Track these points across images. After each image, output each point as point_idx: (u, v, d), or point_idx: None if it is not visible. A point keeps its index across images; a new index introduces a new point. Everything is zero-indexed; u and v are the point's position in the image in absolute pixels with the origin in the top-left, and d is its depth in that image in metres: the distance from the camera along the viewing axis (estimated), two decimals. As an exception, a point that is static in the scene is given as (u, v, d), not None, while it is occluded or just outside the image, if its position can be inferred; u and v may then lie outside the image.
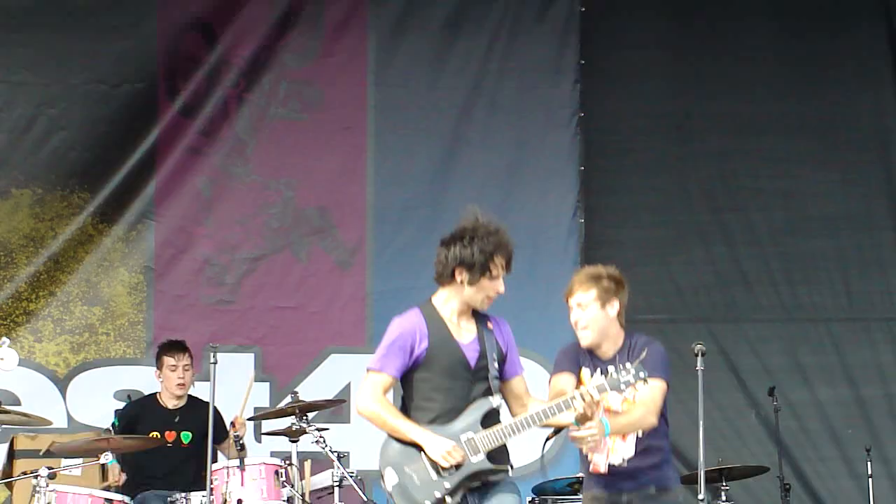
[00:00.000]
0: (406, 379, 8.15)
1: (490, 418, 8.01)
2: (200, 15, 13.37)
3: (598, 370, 8.23)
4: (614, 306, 8.26)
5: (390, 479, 7.90)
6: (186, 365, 12.05)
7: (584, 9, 13.48)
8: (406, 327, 8.19)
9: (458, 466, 7.71)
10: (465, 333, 8.25)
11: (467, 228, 8.04)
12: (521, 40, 13.57)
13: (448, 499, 7.72)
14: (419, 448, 7.81)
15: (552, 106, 13.57)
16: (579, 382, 8.46)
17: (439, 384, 8.16)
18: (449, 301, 8.20)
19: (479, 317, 8.35)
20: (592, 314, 8.23)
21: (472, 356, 8.19)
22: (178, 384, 12.02)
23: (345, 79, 13.54)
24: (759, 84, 13.64)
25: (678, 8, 13.78)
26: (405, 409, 8.16)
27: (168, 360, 12.06)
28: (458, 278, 8.08)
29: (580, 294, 8.21)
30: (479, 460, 7.73)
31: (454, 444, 7.83)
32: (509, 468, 7.98)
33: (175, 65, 13.38)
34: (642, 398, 8.23)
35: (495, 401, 8.12)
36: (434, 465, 7.78)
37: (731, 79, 13.65)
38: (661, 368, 8.26)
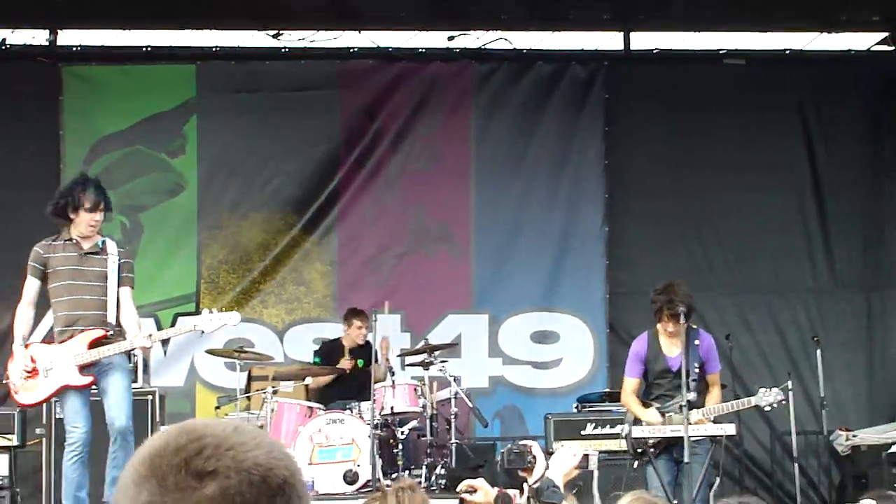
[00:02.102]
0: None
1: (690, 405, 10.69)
2: (366, 102, 16.28)
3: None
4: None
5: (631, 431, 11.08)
6: (362, 322, 14.52)
7: (607, 96, 16.25)
8: (634, 348, 11.38)
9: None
10: (674, 347, 11.09)
11: (661, 286, 11.22)
12: (568, 113, 16.33)
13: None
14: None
15: (588, 154, 16.32)
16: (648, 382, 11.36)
17: (651, 383, 11.25)
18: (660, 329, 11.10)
19: (689, 335, 11.03)
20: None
21: (674, 364, 11.04)
22: (361, 335, 14.58)
23: (456, 141, 16.37)
24: (723, 144, 16.28)
25: (671, 96, 16.34)
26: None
27: (355, 322, 14.66)
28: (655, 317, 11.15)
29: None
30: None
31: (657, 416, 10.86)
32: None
33: (350, 133, 16.21)
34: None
35: (691, 395, 10.74)
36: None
37: (708, 139, 16.34)
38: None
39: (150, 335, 10.71)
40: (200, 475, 1.84)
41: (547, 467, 6.09)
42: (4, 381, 10.91)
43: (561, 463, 6.35)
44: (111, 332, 10.37)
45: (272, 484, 1.86)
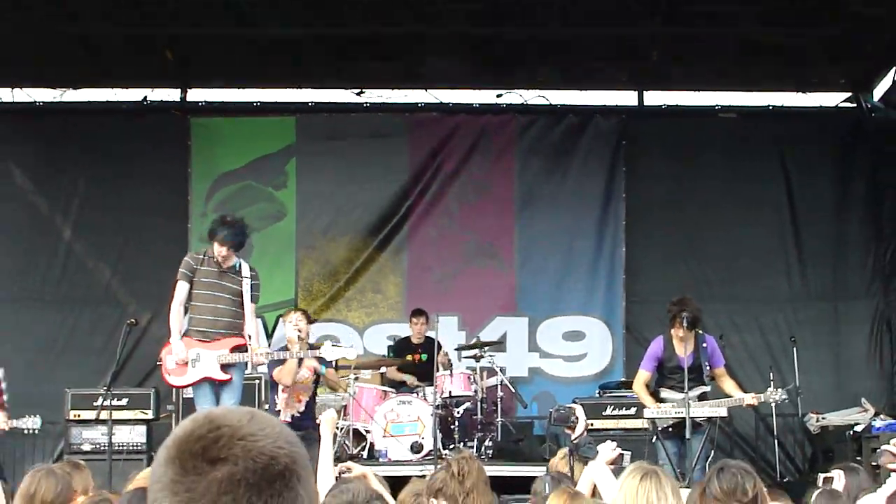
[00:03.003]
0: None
1: (703, 396, 11.00)
2: (430, 146, 16.29)
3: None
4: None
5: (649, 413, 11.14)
6: (424, 323, 14.47)
7: (624, 142, 16.16)
8: (652, 348, 11.44)
9: None
10: (685, 349, 11.13)
11: (676, 299, 11.28)
12: (593, 156, 16.29)
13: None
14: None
15: (610, 189, 16.18)
16: (659, 374, 11.41)
17: (666, 376, 11.33)
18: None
19: (697, 339, 11.15)
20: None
21: (683, 362, 11.00)
22: (420, 329, 14.56)
23: (502, 178, 16.36)
24: (718, 182, 16.08)
25: (676, 143, 16.29)
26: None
27: (413, 319, 14.69)
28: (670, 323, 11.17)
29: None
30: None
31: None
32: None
33: (416, 172, 16.22)
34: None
35: (706, 388, 11.10)
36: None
37: (705, 178, 16.16)
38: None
39: (267, 353, 10.84)
40: (214, 461, 1.79)
41: (587, 426, 6.01)
42: (158, 364, 11.08)
43: (605, 453, 6.32)
44: (248, 342, 10.54)
45: (273, 470, 1.81)
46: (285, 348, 11.32)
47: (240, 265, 10.65)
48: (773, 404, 11.70)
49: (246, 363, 10.84)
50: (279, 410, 11.13)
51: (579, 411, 6.58)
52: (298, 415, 11.13)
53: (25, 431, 11.12)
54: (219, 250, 10.55)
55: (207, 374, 10.45)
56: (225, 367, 10.45)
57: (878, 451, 6.53)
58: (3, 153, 16.04)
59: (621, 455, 6.83)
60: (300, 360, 11.14)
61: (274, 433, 1.87)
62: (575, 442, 6.41)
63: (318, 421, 10.35)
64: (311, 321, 11.63)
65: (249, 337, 10.52)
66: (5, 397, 11.60)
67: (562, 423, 6.55)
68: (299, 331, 11.11)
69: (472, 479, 5.27)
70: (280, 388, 11.23)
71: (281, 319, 11.84)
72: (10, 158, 16.02)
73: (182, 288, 10.60)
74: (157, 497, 1.79)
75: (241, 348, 10.51)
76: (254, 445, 1.82)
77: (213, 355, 10.43)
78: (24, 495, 5.68)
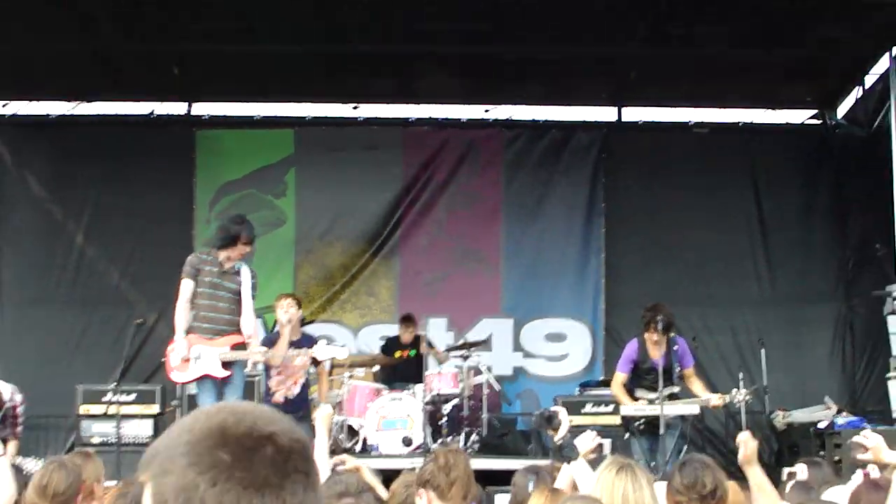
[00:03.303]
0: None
1: (674, 396, 10.96)
2: (422, 158, 16.27)
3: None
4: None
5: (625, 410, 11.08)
6: (411, 326, 14.40)
7: (604, 155, 16.18)
8: (627, 350, 11.37)
9: None
10: (658, 351, 11.09)
11: (651, 306, 11.30)
12: (574, 168, 16.23)
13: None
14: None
15: (590, 199, 16.20)
16: (634, 375, 11.29)
17: (640, 377, 11.20)
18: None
19: (669, 342, 11.08)
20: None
21: (656, 364, 10.93)
22: (409, 333, 14.33)
23: (489, 188, 16.31)
24: (691, 192, 16.07)
25: (653, 156, 16.32)
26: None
27: (404, 327, 14.47)
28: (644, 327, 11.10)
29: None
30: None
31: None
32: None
33: (409, 182, 16.16)
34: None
35: (675, 389, 11.02)
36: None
37: (680, 189, 16.13)
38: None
39: (264, 351, 10.65)
40: (261, 440, 1.74)
41: (569, 429, 6.05)
42: (163, 360, 10.99)
43: (585, 442, 6.31)
44: (247, 340, 10.45)
45: (305, 442, 1.80)
46: (276, 332, 11.26)
47: (239, 267, 10.52)
48: (740, 403, 11.50)
49: (246, 361, 10.79)
50: (273, 392, 11.05)
51: (562, 414, 6.45)
52: (293, 397, 11.02)
53: (24, 472, 11.06)
54: (242, 250, 10.51)
55: (207, 371, 10.33)
56: (225, 364, 10.34)
57: (849, 443, 6.53)
58: (20, 163, 16.11)
59: (600, 445, 6.79)
60: (294, 344, 11.02)
61: (279, 415, 1.85)
62: (559, 444, 6.32)
63: (312, 407, 10.60)
64: (300, 306, 11.48)
65: (249, 337, 10.42)
66: (19, 429, 11.44)
67: (546, 425, 6.50)
68: (290, 317, 11.02)
69: (458, 471, 5.20)
70: (274, 370, 11.09)
71: (274, 304, 11.46)
72: (26, 168, 16.08)
73: (187, 286, 10.47)
74: (215, 480, 1.72)
75: (241, 346, 10.41)
76: (282, 425, 1.80)
77: (215, 353, 10.32)
78: (36, 487, 5.67)
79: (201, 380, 10.44)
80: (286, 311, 11.03)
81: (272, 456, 1.73)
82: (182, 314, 10.50)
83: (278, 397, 10.93)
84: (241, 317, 10.43)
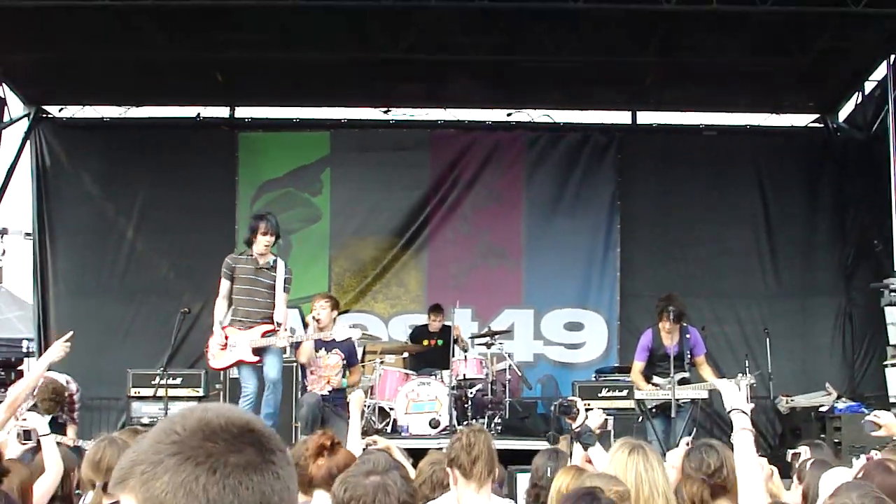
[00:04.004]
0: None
1: (685, 381, 10.89)
2: (448, 159, 16.31)
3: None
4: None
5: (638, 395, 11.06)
6: (439, 316, 14.48)
7: (619, 156, 16.27)
8: (642, 340, 11.32)
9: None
10: (671, 339, 11.07)
11: (664, 296, 11.19)
12: (592, 167, 16.28)
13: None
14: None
15: (606, 197, 16.21)
16: (650, 362, 11.26)
17: (655, 364, 11.15)
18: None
19: (682, 331, 11.07)
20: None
21: (670, 351, 10.94)
22: (437, 322, 14.50)
23: (512, 186, 16.33)
24: (701, 191, 16.09)
25: (665, 157, 16.29)
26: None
27: (430, 315, 14.70)
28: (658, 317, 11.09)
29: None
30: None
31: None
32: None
33: (436, 180, 16.25)
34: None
35: (686, 374, 10.96)
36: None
37: (691, 187, 16.17)
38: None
39: (289, 337, 10.72)
40: (242, 427, 1.73)
41: (587, 417, 6.01)
42: (205, 350, 11.11)
43: (595, 419, 6.34)
44: (276, 328, 10.56)
45: (267, 431, 1.76)
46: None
47: (275, 262, 10.65)
48: (746, 388, 11.44)
49: (279, 350, 10.83)
50: (309, 390, 11.12)
51: (580, 404, 6.52)
52: (327, 394, 11.03)
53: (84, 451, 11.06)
54: (263, 241, 10.58)
55: (240, 358, 10.52)
56: (256, 350, 10.50)
57: (862, 422, 6.58)
58: (76, 163, 16.23)
59: (606, 420, 6.72)
60: (326, 345, 11.10)
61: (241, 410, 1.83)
62: (576, 431, 6.35)
63: (347, 401, 10.29)
64: (335, 307, 11.34)
65: (279, 324, 10.54)
66: (76, 414, 11.46)
67: (564, 413, 6.57)
68: (318, 315, 11.02)
69: (479, 449, 5.15)
70: (308, 370, 11.21)
71: (311, 301, 11.48)
72: (81, 167, 16.21)
73: (224, 285, 10.66)
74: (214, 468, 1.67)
75: (271, 333, 10.55)
76: (250, 415, 1.78)
77: (247, 341, 10.48)
78: (90, 462, 5.72)
79: (239, 365, 10.65)
80: (317, 312, 11.07)
81: (255, 440, 1.72)
82: (219, 309, 10.73)
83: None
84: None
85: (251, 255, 10.68)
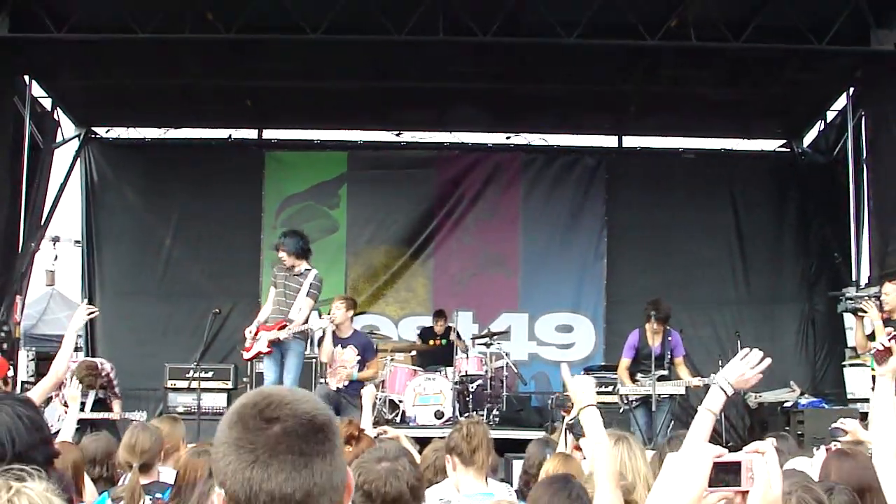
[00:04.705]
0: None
1: (664, 378, 10.84)
2: (452, 177, 16.24)
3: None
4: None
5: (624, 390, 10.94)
6: (442, 320, 14.45)
7: (607, 176, 16.17)
8: (630, 339, 11.25)
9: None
10: (655, 339, 11.08)
11: (652, 300, 11.16)
12: (582, 186, 16.19)
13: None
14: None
15: (595, 212, 16.14)
16: (635, 360, 11.09)
17: (640, 361, 11.11)
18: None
19: (665, 333, 11.00)
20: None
21: (654, 351, 10.93)
22: (441, 325, 14.39)
23: (510, 202, 16.23)
24: (680, 207, 15.93)
25: (648, 177, 16.09)
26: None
27: (437, 321, 14.43)
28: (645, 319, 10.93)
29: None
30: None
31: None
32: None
33: (442, 196, 16.11)
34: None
35: (665, 372, 10.85)
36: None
37: (671, 204, 15.97)
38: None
39: (289, 329, 10.71)
40: (269, 419, 1.79)
41: (580, 410, 6.10)
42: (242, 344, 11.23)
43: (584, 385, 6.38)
44: (287, 323, 10.69)
45: (314, 424, 1.81)
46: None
47: (307, 271, 10.76)
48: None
49: (300, 349, 10.96)
50: (327, 383, 11.18)
51: (574, 398, 6.53)
52: (343, 387, 11.04)
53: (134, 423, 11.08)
54: (281, 256, 10.84)
55: (259, 350, 10.68)
56: (271, 343, 10.61)
57: (829, 429, 6.57)
58: (119, 178, 16.27)
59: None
60: (343, 341, 11.12)
61: (311, 400, 1.88)
62: (570, 423, 6.31)
63: (361, 393, 10.46)
64: (350, 307, 11.34)
65: (290, 320, 10.66)
66: (117, 390, 11.60)
67: (560, 407, 6.59)
68: (333, 315, 11.04)
69: (478, 439, 5.18)
70: (328, 366, 11.24)
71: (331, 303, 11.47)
72: (125, 182, 16.25)
73: (270, 292, 11.02)
74: (225, 452, 1.81)
75: (283, 328, 10.72)
76: (298, 407, 1.83)
77: (265, 335, 10.65)
78: (126, 446, 5.77)
79: (258, 356, 10.92)
80: (333, 312, 11.10)
81: (275, 435, 1.78)
82: (262, 312, 11.09)
83: (332, 386, 11.08)
84: None
85: (284, 263, 10.89)
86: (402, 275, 16.31)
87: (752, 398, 14.07)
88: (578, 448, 6.10)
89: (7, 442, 2.81)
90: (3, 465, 2.51)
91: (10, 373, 11.35)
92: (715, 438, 13.07)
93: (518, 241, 16.37)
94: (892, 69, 12.43)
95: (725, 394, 3.84)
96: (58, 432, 6.63)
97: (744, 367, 3.94)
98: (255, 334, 10.76)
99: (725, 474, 1.85)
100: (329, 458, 1.82)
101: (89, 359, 11.48)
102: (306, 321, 10.71)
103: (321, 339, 11.20)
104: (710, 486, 1.84)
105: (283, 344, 10.71)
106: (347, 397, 10.79)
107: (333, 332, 11.16)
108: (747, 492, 1.84)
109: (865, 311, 9.60)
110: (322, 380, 11.39)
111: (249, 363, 12.93)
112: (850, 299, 10.59)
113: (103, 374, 11.29)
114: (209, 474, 4.10)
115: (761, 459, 1.87)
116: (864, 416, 8.96)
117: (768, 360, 3.93)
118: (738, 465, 1.85)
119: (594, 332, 16.07)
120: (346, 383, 11.09)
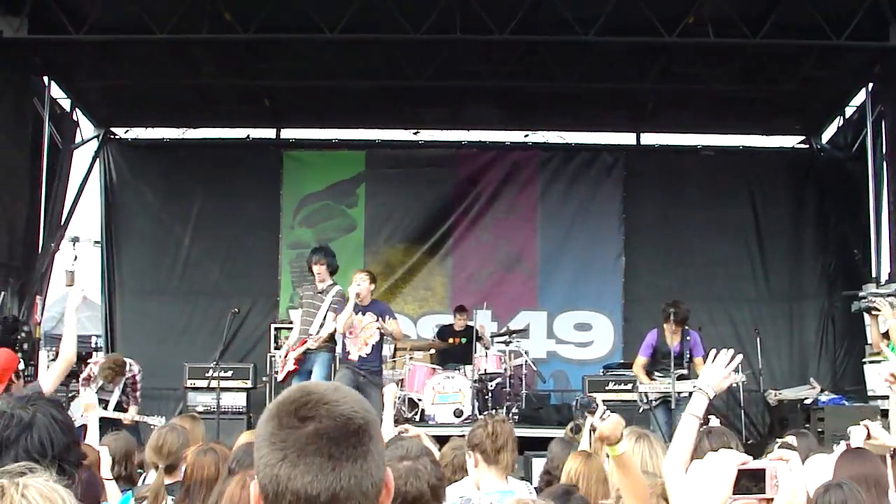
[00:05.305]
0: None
1: (683, 378, 10.72)
2: (470, 174, 16.25)
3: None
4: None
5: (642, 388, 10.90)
6: (464, 315, 14.37)
7: (625, 173, 16.16)
8: (648, 338, 11.13)
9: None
10: (674, 339, 10.93)
11: (671, 301, 11.00)
12: (600, 184, 16.19)
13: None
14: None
15: (612, 210, 16.16)
16: (653, 359, 11.02)
17: (658, 361, 10.98)
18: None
19: (683, 333, 10.89)
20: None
21: (673, 351, 10.79)
22: (461, 321, 14.36)
23: (528, 200, 16.23)
24: (699, 205, 15.89)
25: (666, 175, 16.14)
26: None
27: (456, 315, 14.59)
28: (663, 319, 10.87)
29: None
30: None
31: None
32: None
33: (460, 194, 16.17)
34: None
35: (685, 371, 10.78)
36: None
37: (689, 201, 15.97)
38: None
39: (314, 336, 10.81)
40: (304, 419, 1.78)
41: (605, 410, 6.08)
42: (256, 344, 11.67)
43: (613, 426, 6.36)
44: (306, 338, 10.82)
45: (350, 428, 1.79)
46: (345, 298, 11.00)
47: (329, 287, 10.88)
48: (738, 384, 11.43)
49: (327, 356, 11.01)
50: (349, 352, 10.95)
51: (599, 400, 6.51)
52: (365, 356, 10.90)
53: (151, 426, 11.10)
54: (314, 270, 10.98)
55: (289, 369, 10.77)
56: (296, 360, 10.73)
57: (849, 430, 6.55)
58: (138, 178, 16.31)
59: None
60: (364, 309, 10.97)
61: (352, 401, 1.85)
62: (594, 426, 6.35)
63: (382, 366, 10.81)
64: (373, 280, 11.20)
65: (311, 336, 10.79)
66: (138, 394, 11.66)
67: (584, 408, 6.54)
68: (358, 289, 10.78)
69: (504, 438, 5.14)
70: (345, 335, 10.97)
71: (351, 278, 11.21)
72: (143, 182, 16.29)
73: (294, 314, 11.43)
74: (259, 446, 1.82)
75: (307, 344, 10.86)
76: (335, 408, 1.81)
77: (292, 355, 10.78)
78: (153, 447, 5.79)
79: (291, 374, 10.86)
80: (358, 284, 10.84)
81: (306, 435, 1.79)
82: (291, 335, 11.28)
83: (353, 356, 10.89)
84: None
85: (313, 283, 11.04)
86: (421, 273, 16.29)
87: (771, 396, 14.19)
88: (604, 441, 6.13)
89: (47, 443, 2.85)
90: (44, 463, 2.56)
91: (21, 366, 11.44)
92: (735, 436, 13.55)
93: (536, 239, 16.34)
94: (912, 65, 12.37)
95: (708, 398, 3.89)
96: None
97: (718, 369, 3.97)
98: (285, 356, 10.89)
99: (750, 481, 1.88)
100: (360, 463, 1.81)
101: (121, 356, 11.45)
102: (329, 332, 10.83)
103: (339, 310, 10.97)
104: (734, 493, 1.87)
105: (310, 357, 10.80)
106: (367, 375, 10.75)
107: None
108: (772, 499, 1.87)
109: (879, 310, 9.48)
110: (344, 350, 11.13)
111: (271, 364, 13.17)
112: (863, 298, 10.44)
113: (128, 374, 11.32)
114: (229, 472, 4.11)
115: (786, 467, 1.90)
116: (884, 413, 9.20)
117: (740, 357, 4.02)
118: (762, 472, 1.88)
119: (613, 331, 16.05)
120: (369, 350, 10.94)
